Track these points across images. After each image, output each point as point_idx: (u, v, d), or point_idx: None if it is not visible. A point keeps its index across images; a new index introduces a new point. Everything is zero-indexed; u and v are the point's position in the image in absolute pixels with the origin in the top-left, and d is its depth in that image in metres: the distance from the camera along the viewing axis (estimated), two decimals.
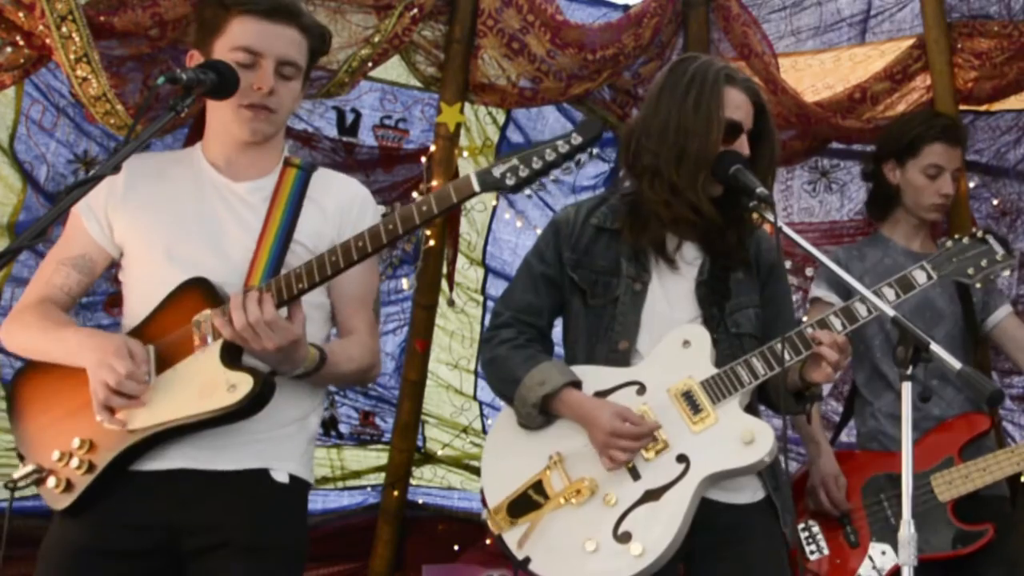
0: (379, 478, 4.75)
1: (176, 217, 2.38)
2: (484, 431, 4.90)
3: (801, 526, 3.17)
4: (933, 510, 3.12)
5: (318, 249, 2.33)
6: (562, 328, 2.75)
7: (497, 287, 4.79)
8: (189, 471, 2.26)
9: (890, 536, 3.06)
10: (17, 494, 2.29)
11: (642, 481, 2.44)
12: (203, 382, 2.20)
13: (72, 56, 3.20)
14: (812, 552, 3.15)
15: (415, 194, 4.33)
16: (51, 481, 2.25)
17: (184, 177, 2.43)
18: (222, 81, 2.18)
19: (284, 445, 2.35)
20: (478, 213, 4.66)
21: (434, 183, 4.31)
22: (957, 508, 3.13)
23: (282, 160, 2.47)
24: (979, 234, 2.78)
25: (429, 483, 4.89)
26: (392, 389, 4.69)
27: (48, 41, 3.19)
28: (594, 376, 2.56)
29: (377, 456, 4.80)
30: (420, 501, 4.84)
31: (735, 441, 2.44)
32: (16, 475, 2.30)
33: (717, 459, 2.44)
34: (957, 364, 2.11)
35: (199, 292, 2.27)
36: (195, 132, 4.06)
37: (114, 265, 2.48)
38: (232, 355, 2.22)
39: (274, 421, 2.28)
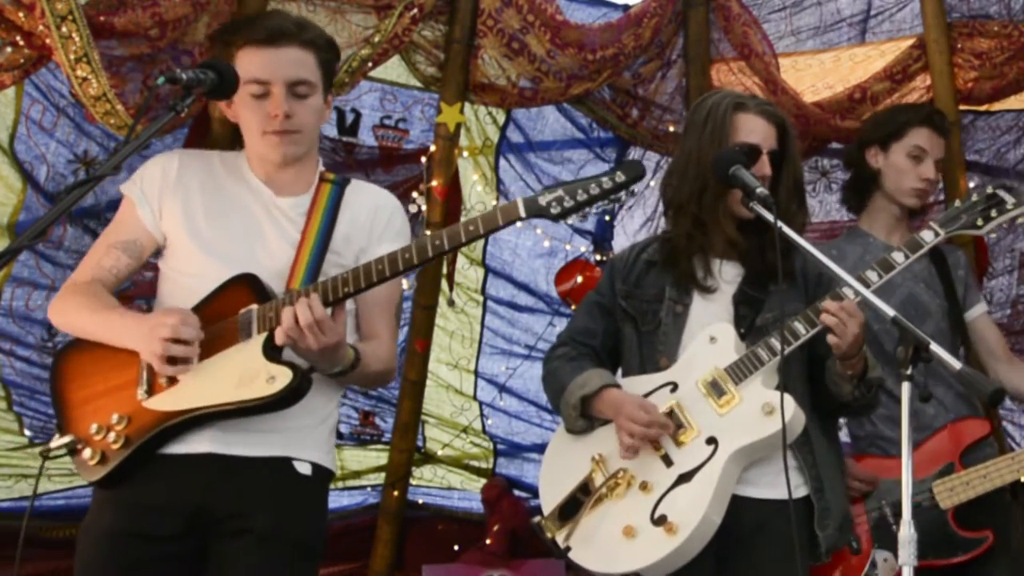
0: (379, 478, 4.75)
1: (221, 216, 2.48)
2: (484, 431, 4.91)
3: None
4: (933, 517, 3.09)
5: (349, 254, 2.48)
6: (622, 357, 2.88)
7: (497, 287, 4.79)
8: (215, 455, 2.33)
9: (892, 542, 3.01)
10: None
11: (675, 467, 2.57)
12: (243, 372, 2.29)
13: (72, 56, 3.20)
14: None
15: (415, 194, 4.33)
16: (87, 452, 2.33)
17: (232, 180, 2.53)
18: (222, 81, 2.21)
19: (307, 435, 2.43)
20: (478, 213, 4.65)
21: (434, 183, 4.31)
22: (957, 509, 3.11)
23: (318, 176, 2.57)
24: (988, 189, 2.78)
25: (429, 483, 4.90)
26: (392, 389, 4.69)
27: (48, 41, 3.18)
28: (635, 384, 2.71)
29: (377, 456, 4.80)
30: (420, 501, 4.84)
31: (757, 414, 2.54)
32: (52, 444, 2.39)
33: (742, 434, 2.54)
34: (957, 364, 2.10)
35: (247, 288, 2.37)
36: (195, 132, 4.06)
37: (158, 251, 2.56)
38: (274, 348, 2.31)
39: (299, 412, 2.35)
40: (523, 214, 2.31)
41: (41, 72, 3.67)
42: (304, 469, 2.41)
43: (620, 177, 2.33)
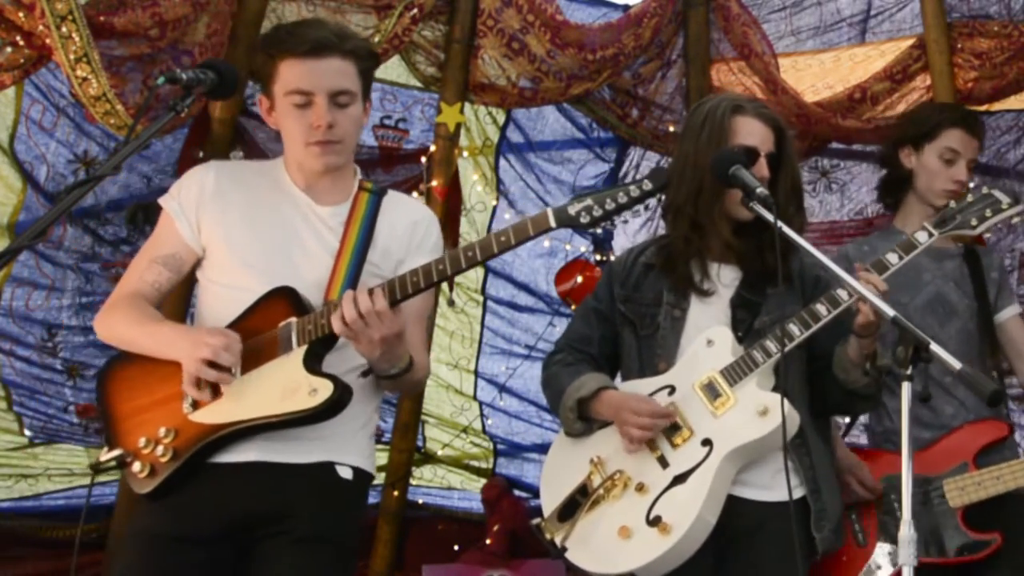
0: (379, 478, 4.75)
1: (259, 226, 2.50)
2: (484, 431, 4.91)
3: None
4: (943, 515, 3.07)
5: (386, 266, 2.50)
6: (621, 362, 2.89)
7: (497, 287, 4.79)
8: (261, 463, 2.38)
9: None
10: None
11: (670, 468, 2.58)
12: (285, 385, 2.32)
13: (72, 56, 3.20)
14: None
15: (415, 194, 4.33)
16: (136, 466, 2.38)
17: (270, 191, 2.55)
18: (222, 81, 2.23)
19: (349, 440, 2.47)
20: (478, 213, 4.66)
21: (434, 183, 4.31)
22: (968, 509, 3.10)
23: (357, 184, 2.60)
24: (984, 190, 2.80)
25: (429, 483, 4.90)
26: None
27: (48, 41, 3.19)
28: (634, 388, 2.73)
29: (377, 456, 4.79)
30: (420, 501, 4.85)
31: (751, 415, 2.56)
32: (101, 457, 2.43)
33: (736, 435, 2.56)
34: (957, 364, 2.10)
35: (285, 301, 2.40)
36: (195, 132, 4.06)
37: (198, 263, 2.58)
38: (315, 361, 2.35)
39: (341, 418, 2.38)
40: (553, 224, 2.33)
41: (41, 72, 3.68)
42: (346, 473, 2.46)
43: (647, 185, 2.36)
